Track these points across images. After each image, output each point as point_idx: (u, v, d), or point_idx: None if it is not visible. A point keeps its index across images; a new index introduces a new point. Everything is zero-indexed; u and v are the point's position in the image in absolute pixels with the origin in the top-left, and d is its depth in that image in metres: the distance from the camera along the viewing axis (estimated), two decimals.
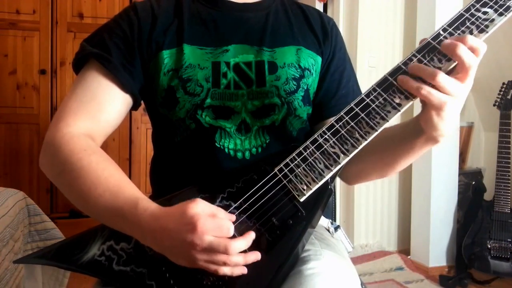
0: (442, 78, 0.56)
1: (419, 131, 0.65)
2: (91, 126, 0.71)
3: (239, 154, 0.74)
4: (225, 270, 0.56)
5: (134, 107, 0.80)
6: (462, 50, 0.56)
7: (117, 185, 0.63)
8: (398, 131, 0.72)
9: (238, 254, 0.56)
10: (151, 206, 0.60)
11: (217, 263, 0.56)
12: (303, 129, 0.81)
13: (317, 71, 0.83)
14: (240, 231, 0.60)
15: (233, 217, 0.60)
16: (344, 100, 0.83)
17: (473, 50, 0.56)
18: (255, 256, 0.58)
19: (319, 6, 2.65)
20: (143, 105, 0.84)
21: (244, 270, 0.58)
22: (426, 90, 0.57)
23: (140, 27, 0.76)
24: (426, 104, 0.60)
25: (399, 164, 0.73)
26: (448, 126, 0.61)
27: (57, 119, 0.71)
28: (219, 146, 0.73)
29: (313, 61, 0.82)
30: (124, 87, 0.74)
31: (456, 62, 0.58)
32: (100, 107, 0.73)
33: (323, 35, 0.85)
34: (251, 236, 0.59)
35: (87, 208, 0.65)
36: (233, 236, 0.57)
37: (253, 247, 0.59)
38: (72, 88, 0.75)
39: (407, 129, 0.69)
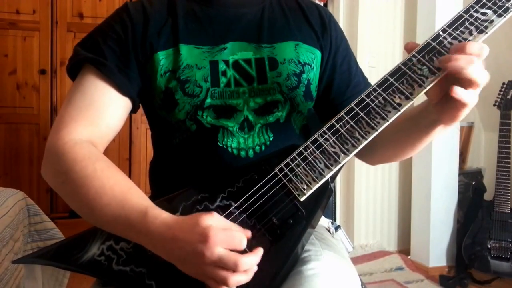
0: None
1: (435, 122, 0.65)
2: (92, 132, 0.70)
3: (243, 153, 0.73)
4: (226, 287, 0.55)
5: (133, 110, 0.78)
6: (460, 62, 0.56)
7: (123, 193, 0.62)
8: (411, 122, 0.71)
9: (244, 273, 0.55)
10: (161, 214, 0.59)
11: (221, 279, 0.54)
12: (305, 126, 0.81)
13: (317, 65, 0.82)
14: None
15: (248, 233, 0.59)
16: (358, 89, 0.83)
17: (476, 55, 0.57)
18: (255, 269, 0.57)
19: None
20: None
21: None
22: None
23: (133, 29, 0.75)
24: (456, 103, 0.59)
25: (418, 147, 0.75)
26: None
27: (57, 127, 0.70)
28: (222, 145, 0.73)
29: (312, 55, 0.81)
30: (122, 91, 0.73)
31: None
32: (100, 113, 0.71)
33: (322, 28, 0.84)
34: (260, 251, 0.57)
35: (93, 217, 0.64)
36: None
37: (254, 247, 0.59)
38: (70, 95, 0.73)
39: (420, 120, 0.69)
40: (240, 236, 0.55)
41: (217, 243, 0.53)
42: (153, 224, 0.58)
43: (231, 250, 0.54)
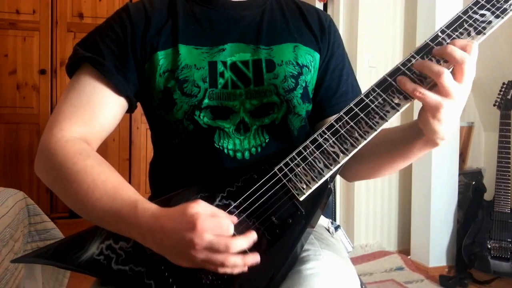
0: (446, 77, 0.56)
1: (418, 133, 0.65)
2: (86, 131, 0.71)
3: (239, 155, 0.73)
4: (224, 269, 0.55)
5: (130, 110, 0.79)
6: (452, 49, 0.57)
7: (114, 187, 0.63)
8: (398, 133, 0.72)
9: (237, 255, 0.55)
10: (151, 207, 0.59)
11: (215, 262, 0.55)
12: (302, 127, 0.80)
13: (315, 67, 0.82)
14: (239, 230, 0.60)
15: (234, 218, 0.60)
16: (344, 98, 0.83)
17: (463, 49, 0.57)
18: (254, 258, 0.57)
19: (319, 6, 2.65)
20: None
21: (244, 269, 0.56)
22: (421, 92, 0.58)
23: (133, 29, 0.75)
24: (423, 106, 0.60)
25: (397, 165, 0.74)
26: (447, 129, 0.60)
27: (51, 124, 0.70)
28: (218, 146, 0.73)
29: (311, 58, 0.81)
30: (118, 90, 0.73)
31: (453, 65, 0.58)
32: (95, 112, 0.72)
33: (321, 32, 0.84)
34: (252, 235, 0.57)
35: (85, 213, 0.65)
36: (233, 235, 0.57)
37: (252, 246, 0.59)
38: (66, 93, 0.73)
39: (407, 131, 0.69)
40: (228, 222, 0.55)
41: (205, 229, 0.53)
42: (142, 216, 0.58)
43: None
